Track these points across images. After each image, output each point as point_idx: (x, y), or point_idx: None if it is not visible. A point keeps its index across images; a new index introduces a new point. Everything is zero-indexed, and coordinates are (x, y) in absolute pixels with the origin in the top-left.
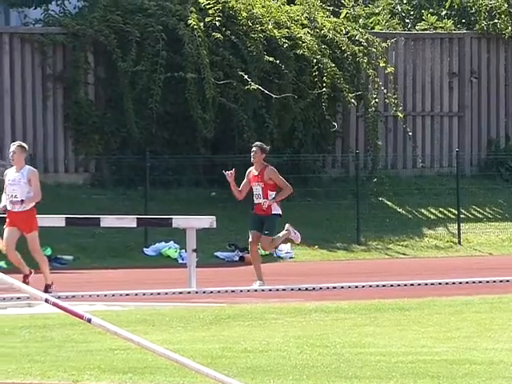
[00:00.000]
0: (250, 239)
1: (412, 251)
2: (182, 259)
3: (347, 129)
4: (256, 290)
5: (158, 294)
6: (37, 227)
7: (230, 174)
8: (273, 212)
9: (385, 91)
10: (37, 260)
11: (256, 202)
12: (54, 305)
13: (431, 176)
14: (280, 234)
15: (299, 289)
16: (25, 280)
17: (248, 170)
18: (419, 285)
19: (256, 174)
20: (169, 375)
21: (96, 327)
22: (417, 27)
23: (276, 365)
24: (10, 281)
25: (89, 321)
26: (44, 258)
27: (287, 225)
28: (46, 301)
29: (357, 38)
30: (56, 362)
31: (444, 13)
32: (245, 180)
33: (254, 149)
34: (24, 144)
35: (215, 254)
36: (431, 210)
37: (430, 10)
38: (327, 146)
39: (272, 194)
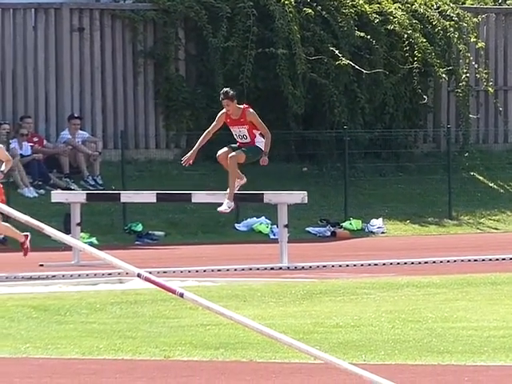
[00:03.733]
0: (221, 151)
1: (504, 225)
2: (274, 234)
3: (438, 104)
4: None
5: (250, 269)
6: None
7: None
8: (256, 144)
9: (476, 66)
10: None
11: (240, 141)
12: (147, 280)
13: None
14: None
15: (391, 263)
16: (22, 247)
17: (220, 113)
18: (511, 259)
19: (236, 118)
20: (260, 350)
21: (187, 303)
22: (508, 2)
23: (368, 340)
24: (102, 255)
25: (181, 295)
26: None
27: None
28: (139, 276)
29: (448, 12)
30: (147, 338)
31: None
32: (214, 123)
33: (224, 102)
34: None
35: (307, 229)
36: None
37: None
38: (419, 121)
39: (257, 132)
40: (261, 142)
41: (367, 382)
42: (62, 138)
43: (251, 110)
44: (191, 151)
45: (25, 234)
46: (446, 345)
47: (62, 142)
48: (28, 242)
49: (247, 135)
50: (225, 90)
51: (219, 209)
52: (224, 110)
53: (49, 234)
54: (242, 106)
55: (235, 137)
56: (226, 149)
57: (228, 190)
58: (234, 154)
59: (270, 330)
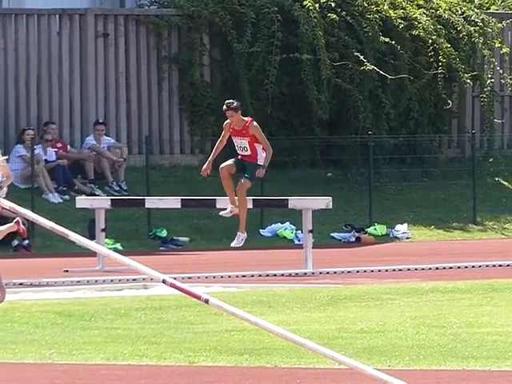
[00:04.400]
0: (225, 164)
1: None
2: (298, 240)
3: (463, 109)
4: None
5: (275, 275)
6: None
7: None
8: (258, 162)
9: (500, 71)
10: None
11: (241, 153)
12: (172, 286)
13: None
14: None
15: (415, 269)
16: (19, 232)
17: (226, 122)
18: None
19: (239, 129)
20: (285, 356)
21: (212, 308)
22: None
23: (392, 345)
24: (127, 261)
25: (206, 301)
26: None
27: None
28: (164, 282)
29: (472, 18)
30: (172, 344)
31: None
32: (223, 133)
33: (228, 113)
34: None
35: (331, 234)
36: None
37: None
38: (443, 126)
39: (259, 145)
40: (262, 159)
41: None
42: (87, 143)
43: (255, 123)
44: (207, 162)
45: (14, 221)
46: (471, 350)
47: (87, 148)
48: (22, 225)
49: (248, 148)
50: (228, 101)
51: (232, 244)
52: (228, 121)
53: (73, 240)
54: (246, 118)
55: (236, 148)
56: (230, 162)
57: (239, 219)
58: (241, 184)
59: (295, 336)
